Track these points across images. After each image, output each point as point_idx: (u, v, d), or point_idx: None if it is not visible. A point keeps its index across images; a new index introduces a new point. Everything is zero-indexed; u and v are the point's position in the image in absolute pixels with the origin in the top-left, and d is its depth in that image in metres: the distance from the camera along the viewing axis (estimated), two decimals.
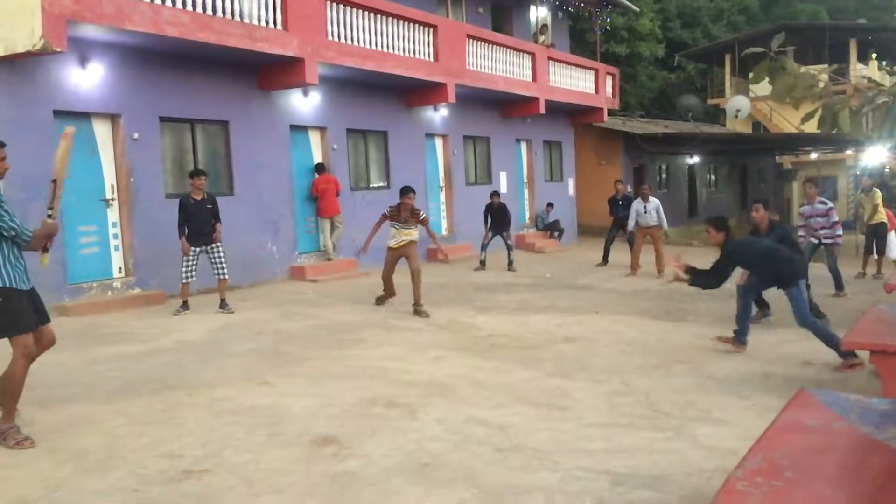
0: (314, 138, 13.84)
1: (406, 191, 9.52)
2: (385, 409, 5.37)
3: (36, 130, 9.37)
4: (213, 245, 9.43)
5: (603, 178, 23.82)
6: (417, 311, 9.34)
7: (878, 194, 13.34)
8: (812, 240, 10.65)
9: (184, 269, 9.37)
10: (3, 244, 4.55)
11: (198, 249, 9.38)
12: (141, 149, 10.61)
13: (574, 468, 4.18)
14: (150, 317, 9.28)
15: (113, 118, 10.42)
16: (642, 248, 13.85)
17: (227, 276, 9.64)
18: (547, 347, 7.45)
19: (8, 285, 4.52)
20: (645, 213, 13.72)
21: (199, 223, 9.33)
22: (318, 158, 13.81)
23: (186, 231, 9.32)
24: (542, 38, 19.92)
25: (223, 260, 9.54)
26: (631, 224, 13.96)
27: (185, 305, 9.48)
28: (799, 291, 6.69)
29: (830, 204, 10.71)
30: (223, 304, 9.54)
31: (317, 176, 13.43)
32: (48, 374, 6.31)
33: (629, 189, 21.74)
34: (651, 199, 13.90)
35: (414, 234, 9.63)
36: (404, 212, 9.51)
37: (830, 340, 6.48)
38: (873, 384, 5.60)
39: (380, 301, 9.99)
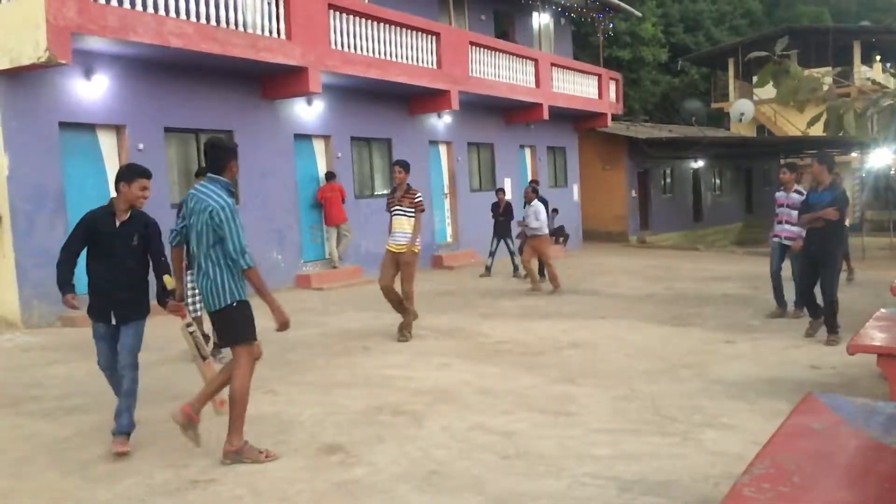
0: (318, 147, 13.87)
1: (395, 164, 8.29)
2: (391, 416, 5.37)
3: (42, 142, 9.42)
4: None
5: (608, 184, 23.85)
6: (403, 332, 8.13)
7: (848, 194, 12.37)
8: (774, 239, 9.15)
9: (189, 300, 7.00)
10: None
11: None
12: (146, 159, 10.58)
13: (581, 474, 4.17)
14: (157, 326, 9.28)
15: (118, 129, 10.46)
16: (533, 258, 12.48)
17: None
18: (552, 353, 7.44)
19: (244, 297, 4.52)
20: (524, 218, 12.43)
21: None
22: (322, 167, 13.84)
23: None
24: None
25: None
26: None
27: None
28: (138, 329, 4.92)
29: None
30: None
31: (323, 184, 13.47)
32: (56, 385, 6.33)
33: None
34: (534, 202, 12.24)
35: (407, 226, 8.12)
36: (399, 190, 8.17)
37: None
38: (880, 388, 5.58)
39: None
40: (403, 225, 8.10)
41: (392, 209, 8.23)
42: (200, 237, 4.46)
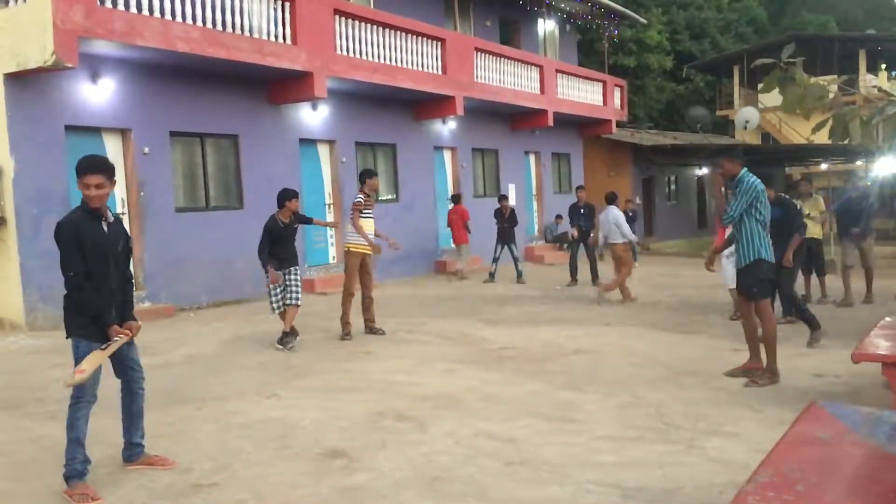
0: (323, 151, 13.91)
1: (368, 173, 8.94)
2: (394, 422, 5.36)
3: (48, 145, 9.46)
4: (292, 267, 8.32)
5: (613, 190, 23.79)
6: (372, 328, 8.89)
7: (822, 202, 10.98)
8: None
9: (273, 299, 8.21)
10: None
11: (283, 274, 8.21)
12: (151, 163, 10.68)
13: (584, 482, 4.16)
14: (161, 330, 9.31)
15: (123, 133, 10.50)
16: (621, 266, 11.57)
17: (299, 303, 8.32)
18: (556, 360, 7.43)
19: (762, 258, 6.02)
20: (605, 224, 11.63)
21: (284, 249, 8.22)
22: (327, 172, 13.89)
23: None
24: None
25: (299, 282, 8.36)
26: (601, 238, 11.86)
27: (293, 334, 8.24)
28: None
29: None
30: (284, 339, 8.12)
31: (451, 206, 14.64)
32: (59, 389, 6.32)
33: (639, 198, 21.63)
34: (611, 208, 11.73)
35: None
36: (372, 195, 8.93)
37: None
38: (885, 397, 5.55)
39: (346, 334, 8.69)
40: (374, 227, 8.85)
41: (370, 213, 8.83)
42: (746, 209, 6.07)
